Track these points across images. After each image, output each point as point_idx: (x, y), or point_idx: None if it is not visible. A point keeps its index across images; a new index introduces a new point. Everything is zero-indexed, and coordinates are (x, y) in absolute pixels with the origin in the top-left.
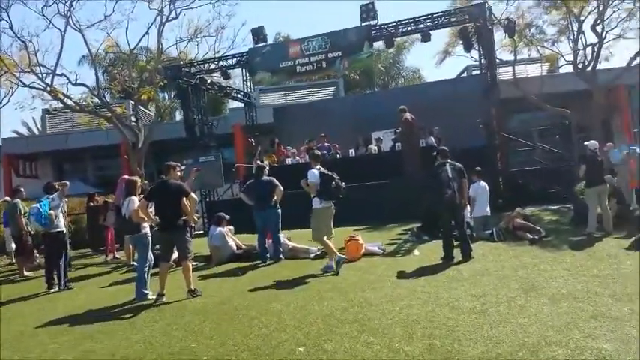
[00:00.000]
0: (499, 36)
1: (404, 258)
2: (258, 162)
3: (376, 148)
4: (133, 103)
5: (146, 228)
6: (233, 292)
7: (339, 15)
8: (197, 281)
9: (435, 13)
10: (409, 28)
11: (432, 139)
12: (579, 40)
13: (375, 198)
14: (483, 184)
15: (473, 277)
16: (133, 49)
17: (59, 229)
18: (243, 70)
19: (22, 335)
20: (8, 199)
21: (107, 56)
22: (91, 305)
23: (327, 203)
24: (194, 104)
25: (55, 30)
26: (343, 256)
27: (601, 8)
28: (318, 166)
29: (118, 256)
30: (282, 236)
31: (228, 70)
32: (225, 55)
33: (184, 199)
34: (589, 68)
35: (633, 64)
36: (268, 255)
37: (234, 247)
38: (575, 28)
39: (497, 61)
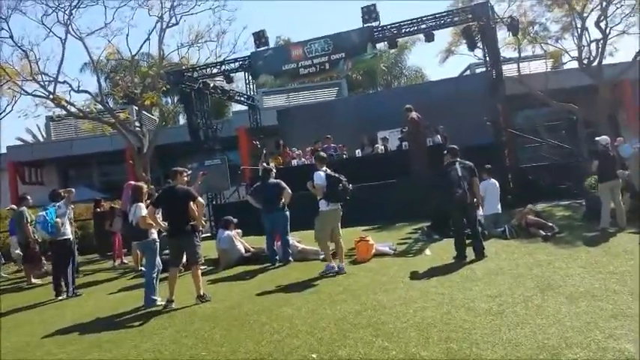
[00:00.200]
0: (502, 34)
1: (415, 258)
2: (264, 164)
3: (382, 147)
4: (136, 108)
5: (154, 234)
6: (243, 296)
7: (340, 18)
8: (206, 286)
9: (437, 13)
10: (412, 29)
11: (439, 137)
12: (583, 37)
13: (383, 197)
14: (493, 181)
15: (487, 276)
16: (135, 55)
17: (66, 237)
18: (246, 73)
19: (28, 346)
20: (14, 206)
21: (109, 63)
22: (99, 313)
23: (334, 205)
24: (198, 108)
25: (56, 38)
26: (343, 266)
27: (604, 5)
28: (324, 168)
29: (125, 261)
30: (291, 238)
31: (231, 74)
32: (228, 59)
33: (192, 203)
34: (594, 64)
35: (639, 59)
36: (277, 257)
37: (243, 251)
38: (578, 25)
39: (502, 58)
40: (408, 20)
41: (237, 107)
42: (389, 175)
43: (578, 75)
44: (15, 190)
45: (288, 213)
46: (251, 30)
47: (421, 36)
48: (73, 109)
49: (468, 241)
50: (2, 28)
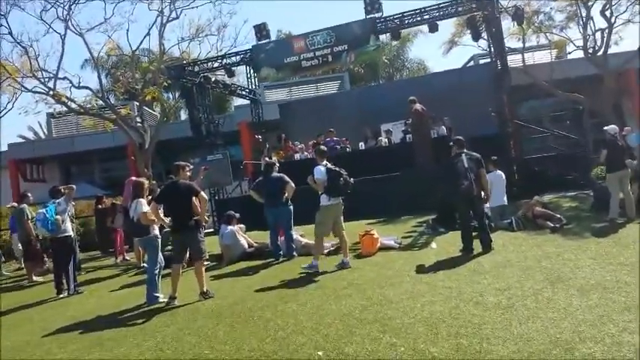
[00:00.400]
0: (506, 24)
1: (421, 251)
2: (267, 158)
3: (386, 140)
4: (137, 104)
5: (155, 230)
6: (246, 292)
7: (342, 10)
8: (209, 282)
9: (441, 3)
10: (416, 19)
11: (444, 128)
12: (588, 26)
13: (388, 191)
14: (499, 172)
15: (495, 269)
16: (135, 50)
17: (66, 234)
18: (248, 67)
19: (28, 345)
20: (15, 204)
21: (110, 59)
22: (100, 310)
23: (336, 200)
24: (199, 103)
25: (56, 34)
26: (348, 260)
27: None
28: (325, 162)
29: (127, 258)
30: (295, 233)
31: (233, 68)
32: (229, 52)
33: (195, 198)
34: (599, 53)
35: None
36: (281, 252)
37: (246, 246)
38: (583, 14)
39: (506, 48)
40: (411, 10)
41: (239, 102)
42: (393, 167)
43: (583, 64)
44: (16, 188)
45: (291, 207)
46: (252, 24)
47: (423, 28)
48: (73, 106)
49: (474, 234)
50: (1, 25)
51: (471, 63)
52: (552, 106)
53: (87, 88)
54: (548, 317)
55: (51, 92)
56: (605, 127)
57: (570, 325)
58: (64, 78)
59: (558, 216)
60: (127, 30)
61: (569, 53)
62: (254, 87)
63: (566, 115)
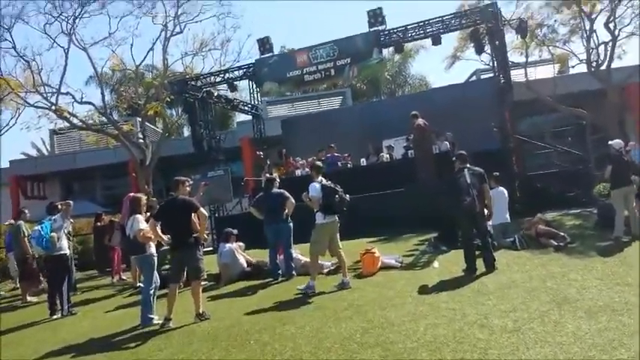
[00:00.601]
0: (509, 37)
1: (423, 271)
2: (268, 174)
3: (388, 156)
4: (139, 120)
5: (151, 248)
6: (244, 313)
7: (346, 24)
8: (206, 303)
9: (444, 16)
10: (419, 32)
11: (447, 143)
12: (592, 39)
13: (389, 207)
14: (501, 189)
15: (499, 290)
16: (139, 65)
17: (62, 252)
18: (250, 82)
19: None
20: (12, 221)
21: (114, 75)
22: (93, 333)
23: (331, 217)
24: (201, 118)
25: (60, 48)
26: (348, 280)
27: (614, 5)
28: (320, 178)
29: (124, 277)
30: (295, 251)
31: (235, 82)
32: (232, 67)
33: (194, 215)
34: (603, 67)
35: None
36: (280, 272)
37: (245, 265)
38: (587, 27)
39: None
40: (414, 23)
41: (241, 117)
42: (394, 184)
43: (586, 79)
44: (17, 205)
45: (292, 224)
46: (255, 38)
47: (424, 43)
48: (75, 121)
49: (477, 253)
50: (5, 39)
51: (474, 78)
52: (555, 121)
53: (89, 103)
54: (557, 341)
55: (53, 107)
56: (610, 142)
57: (580, 350)
58: (67, 93)
59: (562, 234)
60: (131, 45)
61: (573, 67)
62: (256, 102)
63: (568, 131)
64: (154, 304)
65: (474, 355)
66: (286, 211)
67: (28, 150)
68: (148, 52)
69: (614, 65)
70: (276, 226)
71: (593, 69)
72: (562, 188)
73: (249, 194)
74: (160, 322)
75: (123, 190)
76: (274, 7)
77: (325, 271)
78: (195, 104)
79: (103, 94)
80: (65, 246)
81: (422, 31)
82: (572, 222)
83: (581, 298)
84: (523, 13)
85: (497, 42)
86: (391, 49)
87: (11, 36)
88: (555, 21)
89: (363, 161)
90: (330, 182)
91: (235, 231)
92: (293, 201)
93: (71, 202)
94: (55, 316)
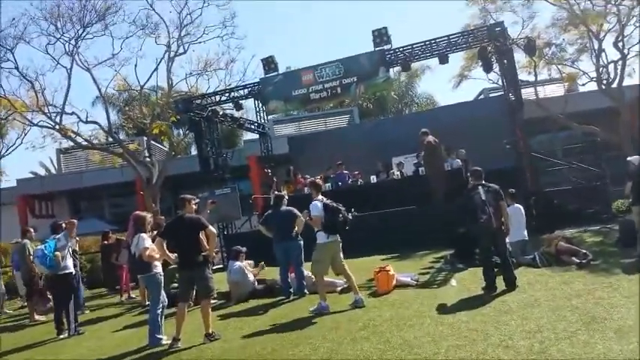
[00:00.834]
0: (517, 57)
1: (440, 289)
2: (276, 192)
3: (398, 173)
4: (145, 139)
5: (157, 267)
6: (254, 334)
7: (350, 45)
8: (216, 322)
9: (451, 35)
10: (425, 51)
11: (458, 161)
12: (600, 58)
13: (402, 224)
14: (518, 206)
15: (522, 309)
16: (143, 85)
17: (67, 271)
18: (256, 100)
19: None
20: (19, 240)
21: (120, 96)
22: (99, 354)
23: (333, 237)
24: (207, 137)
25: (64, 69)
26: (361, 298)
27: (623, 22)
28: (320, 197)
29: (133, 295)
30: (306, 270)
31: (241, 101)
32: (237, 86)
33: (202, 233)
34: (614, 85)
35: None
36: (291, 290)
37: (255, 283)
38: (595, 47)
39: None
40: (420, 42)
41: (248, 136)
42: (406, 201)
43: (594, 97)
44: (25, 224)
45: (302, 242)
46: (260, 57)
47: (430, 63)
48: (80, 140)
49: (496, 270)
50: (8, 59)
51: (481, 97)
52: (566, 139)
53: (95, 122)
54: None
55: (57, 127)
56: (629, 158)
57: None
58: (72, 113)
59: (584, 251)
60: (135, 65)
61: (583, 85)
62: (263, 121)
63: (580, 148)
64: (162, 324)
65: None
66: (296, 228)
67: (37, 169)
68: (152, 72)
69: (625, 83)
70: (286, 244)
71: (603, 87)
72: (579, 205)
73: (258, 212)
74: (169, 342)
75: (131, 208)
76: (278, 30)
77: (339, 289)
78: (201, 123)
79: (107, 113)
80: (70, 265)
81: (428, 50)
82: (593, 239)
83: (609, 317)
84: (530, 33)
85: (505, 60)
86: (397, 68)
87: (14, 56)
88: (563, 39)
89: (373, 178)
90: (330, 201)
91: (244, 249)
92: (302, 219)
93: (75, 220)
94: (61, 336)
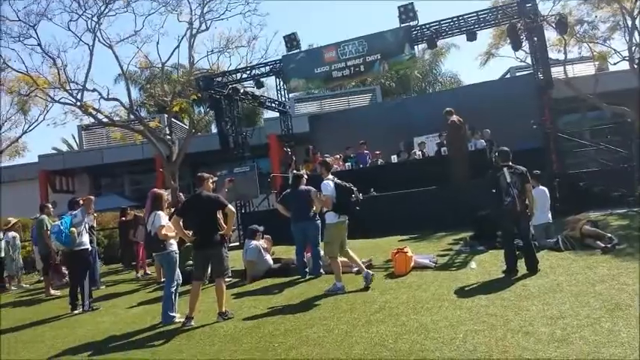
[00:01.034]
0: (546, 34)
1: (459, 272)
2: (295, 171)
3: (420, 153)
4: (166, 116)
5: (173, 245)
6: (268, 313)
7: (375, 22)
8: (230, 301)
9: (480, 11)
10: (453, 28)
11: (482, 141)
12: (633, 36)
13: (421, 205)
14: (542, 188)
15: (544, 294)
16: (165, 62)
17: (83, 247)
18: (277, 78)
19: None
20: (38, 215)
21: (142, 73)
22: (113, 330)
23: (344, 217)
24: (228, 115)
25: (86, 46)
26: (371, 272)
27: None
28: (331, 176)
29: (149, 272)
30: (322, 250)
31: (262, 79)
32: (258, 63)
33: (220, 211)
34: None
35: None
36: (307, 270)
37: (271, 262)
38: (628, 24)
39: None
40: (448, 19)
41: (268, 114)
42: (427, 181)
43: (627, 76)
44: (45, 199)
45: (319, 222)
46: (283, 34)
47: (455, 41)
48: (100, 117)
49: (517, 253)
50: (30, 36)
51: (508, 75)
52: (594, 119)
53: (116, 99)
54: (611, 353)
55: (78, 104)
56: None
57: None
58: (94, 90)
59: (609, 235)
60: (157, 42)
61: (614, 64)
62: (283, 99)
63: (610, 129)
64: (176, 302)
65: None
66: (314, 208)
67: (59, 145)
68: (175, 49)
69: None
70: (303, 224)
71: (636, 66)
72: (606, 187)
73: (277, 190)
74: (182, 320)
75: (150, 185)
76: (301, 6)
77: (355, 270)
78: (221, 101)
79: (129, 90)
80: (86, 241)
81: (456, 27)
82: (618, 222)
83: (633, 303)
84: (561, 9)
85: (535, 38)
86: (422, 46)
87: (36, 33)
88: (596, 17)
89: (394, 158)
90: (342, 181)
91: (262, 228)
92: (322, 198)
93: (92, 197)
94: (75, 312)
